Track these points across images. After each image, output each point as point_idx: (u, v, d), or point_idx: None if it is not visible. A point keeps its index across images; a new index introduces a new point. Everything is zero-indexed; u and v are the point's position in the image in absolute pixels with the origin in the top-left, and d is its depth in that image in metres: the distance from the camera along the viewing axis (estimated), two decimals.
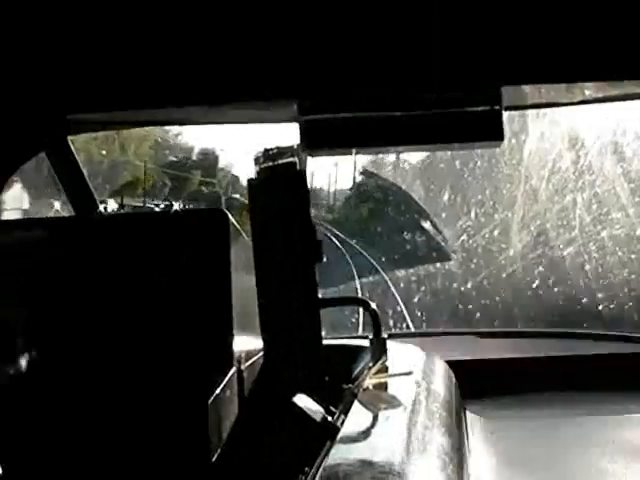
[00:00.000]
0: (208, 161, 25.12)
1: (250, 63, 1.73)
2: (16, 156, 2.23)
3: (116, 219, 2.01)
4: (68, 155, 2.30)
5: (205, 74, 1.77)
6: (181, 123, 2.43)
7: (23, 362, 1.40)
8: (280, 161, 1.55)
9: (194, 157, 25.23)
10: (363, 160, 20.25)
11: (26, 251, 1.72)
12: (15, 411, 1.47)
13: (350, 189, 23.98)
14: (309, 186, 1.61)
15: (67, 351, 1.63)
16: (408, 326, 9.38)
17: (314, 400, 1.48)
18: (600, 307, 8.15)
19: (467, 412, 2.11)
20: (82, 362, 1.63)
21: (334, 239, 18.18)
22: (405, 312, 10.23)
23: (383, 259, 15.27)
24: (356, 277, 14.53)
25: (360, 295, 11.30)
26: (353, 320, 7.08)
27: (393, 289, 12.20)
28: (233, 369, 1.64)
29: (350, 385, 1.61)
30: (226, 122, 2.39)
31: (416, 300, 10.84)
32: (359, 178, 22.32)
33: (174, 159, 23.40)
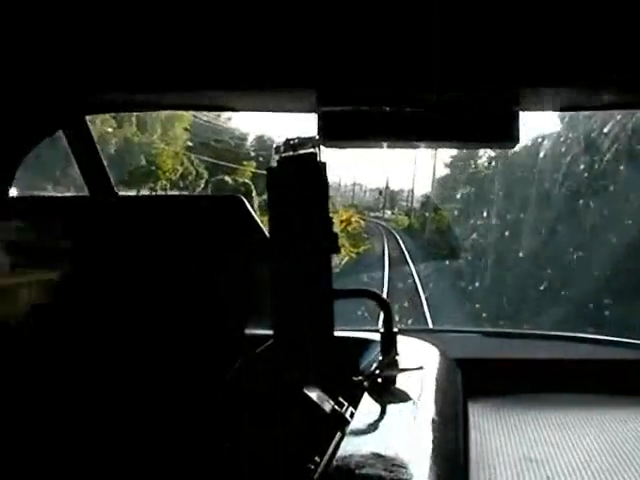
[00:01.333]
0: (265, 150, 19.67)
1: (272, 51, 1.74)
2: (34, 134, 2.24)
3: (130, 201, 2.01)
4: (85, 135, 2.30)
5: (225, 59, 1.77)
6: (199, 108, 2.43)
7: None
8: (301, 151, 1.54)
9: (248, 145, 20.93)
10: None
11: (41, 229, 1.73)
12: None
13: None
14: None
15: (80, 332, 1.64)
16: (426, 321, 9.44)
17: (324, 390, 1.48)
18: (607, 313, 8.16)
19: (471, 410, 2.12)
20: (101, 340, 1.65)
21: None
22: (426, 307, 10.27)
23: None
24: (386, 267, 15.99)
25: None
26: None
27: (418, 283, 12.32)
28: (244, 358, 1.65)
29: (360, 377, 1.61)
30: (246, 109, 2.39)
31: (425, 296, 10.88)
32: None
33: (217, 145, 19.14)
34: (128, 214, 1.80)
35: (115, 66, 1.83)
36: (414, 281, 13.84)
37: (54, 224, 1.75)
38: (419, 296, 12.06)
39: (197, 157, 18.54)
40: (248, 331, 1.69)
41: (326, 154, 1.64)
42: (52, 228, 1.74)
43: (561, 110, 2.16)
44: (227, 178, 18.40)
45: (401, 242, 21.18)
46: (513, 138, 1.81)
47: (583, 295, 9.67)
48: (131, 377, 1.58)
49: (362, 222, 24.08)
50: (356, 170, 35.05)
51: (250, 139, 21.40)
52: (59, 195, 2.58)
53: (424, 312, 10.71)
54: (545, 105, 2.01)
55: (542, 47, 1.66)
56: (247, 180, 18.51)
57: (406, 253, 18.99)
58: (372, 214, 28.14)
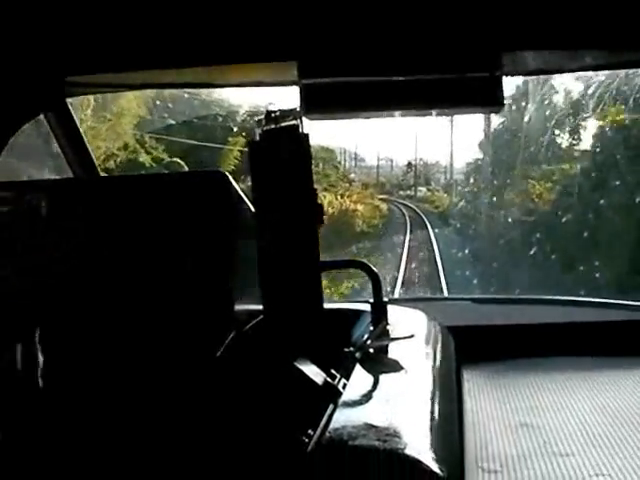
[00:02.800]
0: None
1: (250, 24, 1.72)
2: (16, 117, 2.22)
3: (114, 181, 2.00)
4: (67, 117, 2.29)
5: (204, 35, 1.76)
6: (179, 86, 2.42)
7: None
8: (283, 124, 1.53)
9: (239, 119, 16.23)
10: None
11: (25, 213, 1.72)
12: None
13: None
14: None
15: (69, 315, 1.64)
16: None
17: (315, 363, 1.48)
18: (597, 274, 8.22)
19: (465, 376, 2.13)
20: (86, 326, 1.64)
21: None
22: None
23: None
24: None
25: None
26: None
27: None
28: (234, 332, 1.65)
29: (351, 348, 1.61)
30: (226, 85, 2.38)
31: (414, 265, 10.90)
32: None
33: (200, 123, 15.29)
34: (113, 194, 1.79)
35: (93, 47, 1.82)
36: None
37: (38, 207, 1.73)
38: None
39: (168, 138, 15.97)
40: (238, 307, 1.69)
41: (338, 128, 1.64)
42: (36, 211, 1.72)
43: (543, 73, 2.16)
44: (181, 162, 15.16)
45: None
46: (497, 102, 1.81)
47: (573, 258, 9.72)
48: (118, 357, 1.58)
49: (382, 205, 21.42)
50: (383, 144, 30.76)
51: (242, 112, 17.46)
52: (42, 179, 2.55)
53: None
54: (527, 68, 2.01)
55: (521, 10, 1.66)
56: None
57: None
58: (402, 193, 24.76)
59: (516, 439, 1.78)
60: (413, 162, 25.19)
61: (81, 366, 1.56)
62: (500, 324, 2.60)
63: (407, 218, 20.88)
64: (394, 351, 1.65)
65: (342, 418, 1.24)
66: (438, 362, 1.75)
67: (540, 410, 1.96)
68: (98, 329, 1.63)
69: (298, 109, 1.57)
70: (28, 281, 1.61)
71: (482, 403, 2.03)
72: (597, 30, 1.67)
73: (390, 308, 1.85)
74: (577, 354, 2.39)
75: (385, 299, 1.79)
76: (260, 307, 1.63)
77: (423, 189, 24.94)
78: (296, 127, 1.52)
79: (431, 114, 2.04)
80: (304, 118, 1.73)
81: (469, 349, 2.17)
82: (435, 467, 1.07)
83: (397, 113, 1.97)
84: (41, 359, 1.43)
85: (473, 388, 2.12)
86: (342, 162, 25.45)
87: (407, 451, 1.08)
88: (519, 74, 2.04)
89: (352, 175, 24.77)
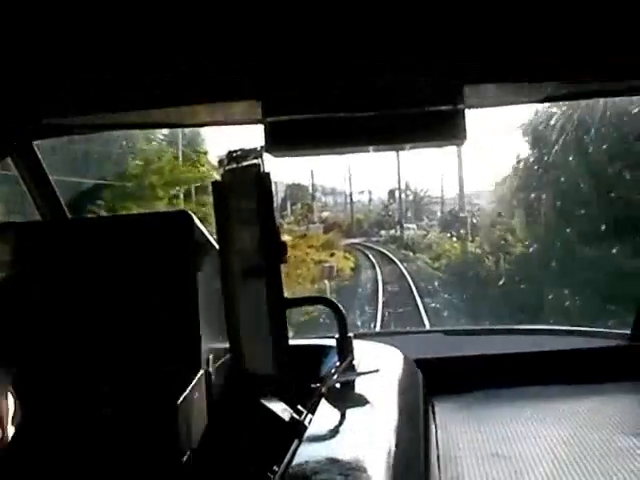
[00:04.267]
0: None
1: (215, 65, 1.74)
2: None
3: (81, 223, 2.01)
4: (34, 160, 2.30)
5: (172, 76, 1.77)
6: (147, 127, 2.43)
7: None
8: (244, 163, 1.55)
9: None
10: None
11: None
12: None
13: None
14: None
15: (33, 356, 1.63)
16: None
17: (282, 400, 1.49)
18: (567, 303, 8.27)
19: (436, 409, 2.14)
20: (48, 365, 1.64)
21: None
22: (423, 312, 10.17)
23: None
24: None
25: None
26: None
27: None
28: (201, 371, 1.65)
29: (318, 384, 1.62)
30: (193, 125, 2.40)
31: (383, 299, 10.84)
32: None
33: None
34: (81, 236, 1.80)
35: (58, 91, 1.83)
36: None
37: (6, 250, 1.74)
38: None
39: None
40: (204, 346, 1.69)
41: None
42: (4, 253, 1.73)
43: (504, 105, 2.19)
44: None
45: None
46: (460, 135, 1.83)
47: (542, 287, 9.77)
48: (81, 399, 1.58)
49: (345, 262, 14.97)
50: (359, 172, 27.37)
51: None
52: (10, 221, 2.56)
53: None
54: (489, 100, 2.04)
55: (482, 44, 1.68)
56: None
57: None
58: (385, 233, 19.22)
59: (487, 470, 1.79)
60: (397, 191, 19.68)
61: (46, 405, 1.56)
62: (471, 355, 2.62)
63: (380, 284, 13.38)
64: (360, 386, 1.66)
65: (306, 453, 1.25)
66: (404, 395, 1.76)
67: (511, 440, 1.98)
68: (61, 367, 1.64)
69: (259, 148, 1.59)
70: None
71: (453, 434, 2.04)
72: (557, 62, 1.70)
73: (358, 343, 1.86)
74: (546, 383, 2.41)
75: (350, 334, 1.80)
76: (226, 345, 1.63)
77: (412, 226, 18.77)
78: (257, 166, 1.53)
79: (394, 149, 2.06)
80: (269, 155, 1.75)
81: (440, 381, 2.19)
82: None
83: (364, 148, 1.99)
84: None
85: (444, 419, 2.13)
86: (314, 197, 21.50)
87: None
88: (482, 106, 2.07)
89: (325, 214, 20.50)
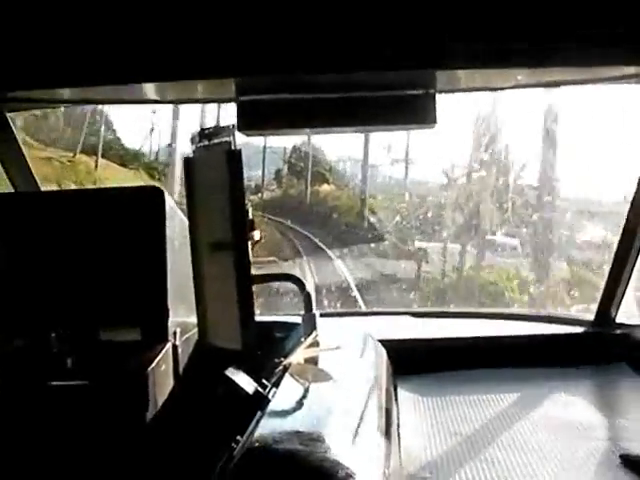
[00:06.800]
0: None
1: (190, 42, 1.75)
2: None
3: (54, 195, 2.02)
4: (7, 132, 2.29)
5: (148, 51, 1.78)
6: (118, 102, 2.43)
7: None
8: (215, 140, 1.57)
9: None
10: None
11: None
12: None
13: None
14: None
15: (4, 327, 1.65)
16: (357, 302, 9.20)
17: (247, 374, 1.52)
18: (531, 289, 8.29)
19: (399, 388, 2.17)
20: (17, 333, 1.66)
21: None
22: (355, 290, 10.05)
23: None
24: (303, 255, 12.18)
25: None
26: None
27: (343, 267, 11.57)
28: (168, 344, 1.67)
29: (282, 359, 1.64)
30: (169, 101, 2.40)
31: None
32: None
33: None
34: (53, 208, 1.81)
35: (35, 62, 1.83)
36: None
37: None
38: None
39: None
40: (172, 319, 1.71)
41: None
42: None
43: (476, 90, 2.21)
44: None
45: None
46: (430, 119, 1.86)
47: None
48: (49, 367, 1.60)
49: None
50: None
51: None
52: None
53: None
54: (460, 85, 2.06)
55: (454, 28, 1.70)
56: None
57: None
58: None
59: (446, 448, 1.83)
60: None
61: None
62: (435, 337, 2.65)
63: None
64: (324, 362, 1.69)
65: (268, 425, 1.28)
66: (366, 372, 1.79)
67: (470, 421, 2.02)
68: (35, 334, 1.66)
69: (231, 126, 1.60)
70: None
71: (415, 413, 2.07)
72: (529, 48, 1.71)
73: (324, 321, 1.89)
74: (508, 366, 2.45)
75: (316, 311, 1.83)
76: (194, 319, 1.66)
77: None
78: (228, 143, 1.55)
79: (366, 131, 2.08)
80: (240, 134, 1.77)
81: (405, 362, 2.22)
82: (356, 470, 1.11)
83: (334, 129, 2.01)
84: None
85: (407, 399, 2.16)
86: None
87: (328, 455, 1.12)
88: (453, 92, 2.09)
89: None
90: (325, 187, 14.84)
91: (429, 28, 1.70)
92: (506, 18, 1.69)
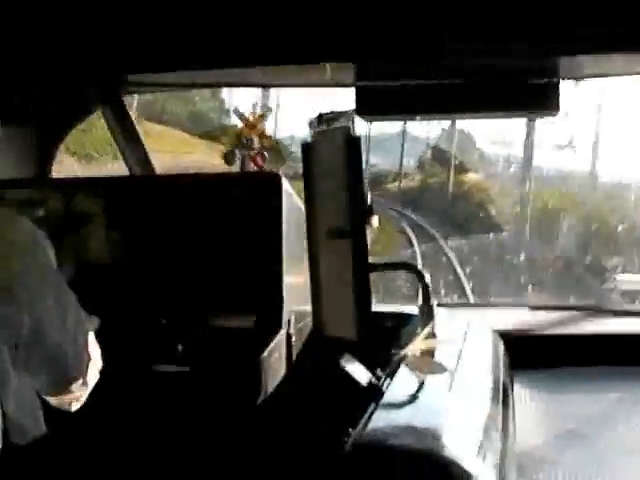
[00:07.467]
0: None
1: (308, 26, 1.74)
2: (72, 114, 2.27)
3: (171, 179, 2.04)
4: (123, 115, 2.33)
5: (263, 35, 1.77)
6: (239, 85, 2.44)
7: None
8: (334, 125, 1.55)
9: None
10: None
11: (82, 209, 1.76)
12: None
13: None
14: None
15: (116, 311, 1.67)
16: (467, 295, 9.10)
17: (362, 364, 1.49)
18: None
19: (515, 383, 2.12)
20: (130, 318, 1.68)
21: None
22: (465, 283, 9.94)
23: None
24: (416, 245, 11.99)
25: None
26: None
27: (454, 259, 11.39)
28: (282, 331, 1.67)
29: (398, 350, 1.62)
30: (284, 84, 2.40)
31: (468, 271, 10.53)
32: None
33: None
34: (169, 192, 1.82)
35: (149, 46, 1.85)
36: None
37: (93, 204, 1.77)
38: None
39: None
40: (287, 307, 1.71)
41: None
42: (91, 208, 1.76)
43: (601, 76, 2.14)
44: None
45: None
46: (553, 106, 1.80)
47: None
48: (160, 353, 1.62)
49: None
50: None
51: None
52: (99, 176, 2.61)
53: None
54: (585, 72, 2.00)
55: (579, 15, 1.65)
56: None
57: None
58: None
59: (565, 447, 1.77)
60: None
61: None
62: (554, 333, 2.58)
63: None
64: (440, 354, 1.65)
65: (381, 418, 1.25)
66: (482, 365, 1.75)
67: (588, 419, 1.95)
68: (147, 319, 1.68)
69: (350, 111, 1.58)
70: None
71: (532, 409, 2.02)
72: None
73: (441, 312, 1.85)
74: (630, 364, 2.36)
75: (433, 302, 1.79)
76: (309, 307, 1.64)
77: None
78: (347, 128, 1.53)
79: (485, 118, 2.04)
80: (358, 119, 1.75)
81: (523, 355, 2.16)
82: (472, 470, 1.07)
83: (454, 116, 1.98)
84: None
85: (524, 394, 2.11)
86: None
87: (444, 453, 1.08)
88: (576, 79, 2.02)
89: None
90: (471, 176, 13.71)
91: (549, 14, 1.65)
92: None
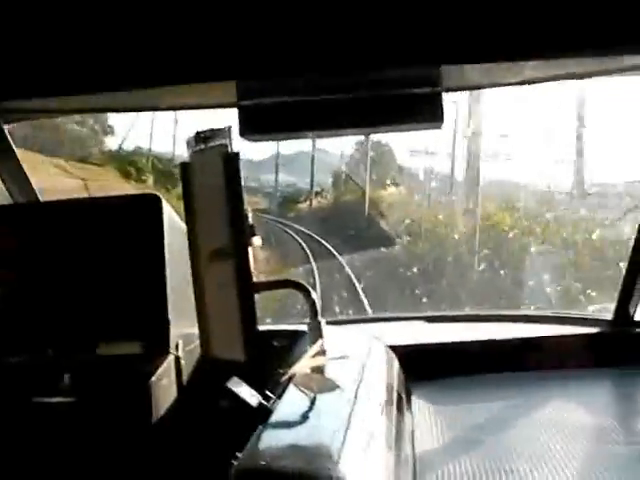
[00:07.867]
0: None
1: (189, 46, 1.72)
2: None
3: (52, 205, 1.99)
4: (3, 143, 2.27)
5: (141, 57, 1.74)
6: (117, 110, 2.39)
7: None
8: (211, 143, 1.53)
9: None
10: None
11: None
12: None
13: None
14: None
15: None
16: (365, 309, 9.16)
17: (250, 385, 1.47)
18: (548, 289, 8.27)
19: (413, 395, 2.12)
20: (17, 346, 1.63)
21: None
22: (363, 296, 9.98)
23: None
24: (312, 261, 12.08)
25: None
26: None
27: (350, 273, 11.45)
28: (170, 356, 1.63)
29: (286, 369, 1.60)
30: (168, 108, 2.36)
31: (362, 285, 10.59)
32: None
33: None
34: (52, 218, 1.78)
35: (29, 72, 1.80)
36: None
37: None
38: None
39: None
40: (174, 331, 1.68)
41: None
42: None
43: (484, 87, 2.16)
44: None
45: None
46: (438, 118, 1.81)
47: (522, 274, 9.74)
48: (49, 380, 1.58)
49: None
50: None
51: None
52: None
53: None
54: (468, 83, 2.02)
55: (461, 23, 1.66)
56: None
57: None
58: None
59: (463, 457, 1.77)
60: None
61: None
62: (447, 341, 2.60)
63: None
64: (330, 371, 1.64)
65: (268, 439, 1.23)
66: (375, 380, 1.74)
67: (488, 427, 1.96)
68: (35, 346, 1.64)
69: (227, 128, 1.56)
70: None
71: (430, 420, 2.02)
72: (537, 42, 1.67)
73: (332, 329, 1.84)
74: (523, 369, 2.40)
75: (321, 319, 1.78)
76: (195, 330, 1.61)
77: None
78: (225, 146, 1.51)
79: (370, 132, 2.04)
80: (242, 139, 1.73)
81: (419, 368, 2.17)
82: None
83: (339, 132, 1.97)
84: None
85: (421, 406, 2.11)
86: None
87: (331, 473, 1.07)
88: (460, 89, 2.04)
89: None
90: (392, 190, 13.52)
91: (434, 23, 1.66)
92: (514, 9, 1.65)
